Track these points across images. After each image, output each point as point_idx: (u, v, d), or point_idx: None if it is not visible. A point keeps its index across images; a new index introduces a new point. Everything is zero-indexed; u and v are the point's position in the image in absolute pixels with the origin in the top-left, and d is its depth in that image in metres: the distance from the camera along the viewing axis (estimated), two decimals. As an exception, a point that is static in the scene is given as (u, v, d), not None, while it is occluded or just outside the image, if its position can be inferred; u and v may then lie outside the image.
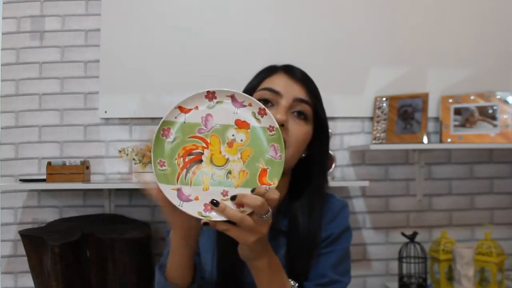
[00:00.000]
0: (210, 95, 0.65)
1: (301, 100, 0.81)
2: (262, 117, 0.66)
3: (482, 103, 1.80)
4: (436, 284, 1.74)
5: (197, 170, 0.64)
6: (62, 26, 1.86)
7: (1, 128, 1.83)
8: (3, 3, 1.85)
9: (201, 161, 0.64)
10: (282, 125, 0.76)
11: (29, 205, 1.81)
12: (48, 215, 1.80)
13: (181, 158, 0.64)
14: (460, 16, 1.90)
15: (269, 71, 0.86)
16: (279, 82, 0.82)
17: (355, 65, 1.87)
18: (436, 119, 1.87)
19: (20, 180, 1.71)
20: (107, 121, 1.84)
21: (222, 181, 0.63)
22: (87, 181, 1.68)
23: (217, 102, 0.66)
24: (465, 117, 1.80)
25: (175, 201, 0.63)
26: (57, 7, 1.86)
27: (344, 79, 1.85)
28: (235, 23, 1.84)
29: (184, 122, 0.65)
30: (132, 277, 1.51)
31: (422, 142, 1.76)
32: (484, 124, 1.78)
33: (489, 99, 1.80)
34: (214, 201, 0.61)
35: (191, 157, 0.64)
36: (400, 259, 1.74)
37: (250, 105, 0.66)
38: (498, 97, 1.79)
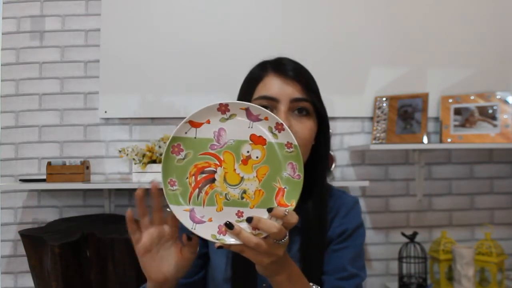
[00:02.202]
0: (223, 108, 0.60)
1: (298, 99, 0.80)
2: (279, 132, 0.61)
3: (482, 103, 1.80)
4: (436, 284, 1.74)
5: (210, 189, 0.60)
6: (62, 26, 1.86)
7: (1, 128, 1.83)
8: (3, 3, 1.84)
9: (214, 179, 0.60)
10: None
11: (29, 205, 1.81)
12: (48, 215, 1.80)
13: (193, 177, 0.60)
14: (460, 16, 1.90)
15: (259, 74, 0.83)
16: (272, 86, 0.80)
17: (355, 65, 1.87)
18: (436, 119, 1.87)
19: (20, 180, 1.71)
20: (107, 121, 1.84)
21: (236, 202, 0.60)
22: (87, 181, 1.68)
23: (231, 115, 0.61)
24: (465, 117, 1.80)
25: (188, 224, 0.60)
26: (57, 7, 1.86)
27: (344, 79, 1.85)
28: (235, 23, 1.84)
29: (195, 138, 0.60)
30: (132, 277, 1.51)
31: (422, 142, 1.76)
32: (484, 124, 1.78)
33: (489, 99, 1.80)
34: (228, 223, 0.59)
35: (204, 175, 0.60)
36: (400, 259, 1.74)
37: (266, 119, 0.61)
38: (498, 97, 1.79)
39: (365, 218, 1.88)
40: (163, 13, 1.84)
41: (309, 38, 1.85)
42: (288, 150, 0.61)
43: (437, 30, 1.89)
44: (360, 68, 1.87)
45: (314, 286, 0.76)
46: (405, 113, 1.82)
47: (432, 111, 1.85)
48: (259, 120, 0.61)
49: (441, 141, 1.82)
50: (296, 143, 0.61)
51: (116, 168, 1.83)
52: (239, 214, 0.60)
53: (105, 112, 1.82)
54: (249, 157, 0.61)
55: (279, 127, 0.61)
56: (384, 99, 1.85)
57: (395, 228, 1.87)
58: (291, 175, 0.61)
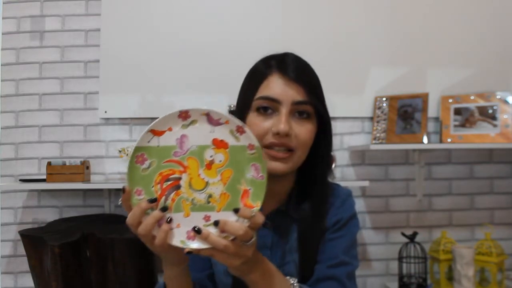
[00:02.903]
0: (184, 115, 0.61)
1: (300, 102, 0.79)
2: (240, 135, 0.62)
3: (482, 103, 1.80)
4: (436, 284, 1.74)
5: (176, 196, 0.61)
6: (62, 26, 1.86)
7: (1, 128, 1.83)
8: (3, 3, 1.84)
9: (179, 186, 0.61)
10: (286, 134, 0.77)
11: (29, 205, 1.81)
12: (48, 215, 1.80)
13: (159, 185, 0.60)
14: (460, 16, 1.90)
15: (263, 72, 0.82)
16: (275, 87, 0.80)
17: (355, 65, 1.87)
18: (436, 119, 1.87)
19: (20, 180, 1.71)
20: (107, 121, 1.84)
21: (203, 206, 0.61)
22: (87, 181, 1.68)
23: (192, 122, 0.62)
24: (465, 117, 1.80)
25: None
26: (57, 7, 1.85)
27: (344, 79, 1.85)
28: (235, 23, 1.84)
29: (158, 146, 0.60)
30: (132, 277, 1.51)
31: (422, 142, 1.76)
32: (484, 124, 1.78)
33: (489, 99, 1.80)
34: (196, 228, 0.60)
35: (169, 183, 0.60)
36: (400, 259, 1.74)
37: (227, 122, 0.62)
38: (498, 97, 1.79)
39: (365, 218, 1.88)
40: (163, 13, 1.84)
41: (309, 38, 1.85)
42: (250, 152, 0.62)
43: (437, 30, 1.89)
44: (360, 68, 1.87)
45: (291, 280, 0.77)
46: (405, 113, 1.82)
47: (432, 111, 1.85)
48: (220, 124, 0.62)
49: (441, 141, 1.82)
50: (258, 145, 0.63)
51: (116, 168, 1.82)
52: (207, 218, 0.61)
53: (105, 112, 1.82)
54: (212, 162, 0.61)
55: (240, 130, 0.62)
56: (384, 99, 1.85)
57: (395, 228, 1.87)
58: (255, 176, 0.62)
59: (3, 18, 1.85)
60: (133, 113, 1.82)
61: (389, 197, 1.89)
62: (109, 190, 1.77)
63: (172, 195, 0.61)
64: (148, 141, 0.60)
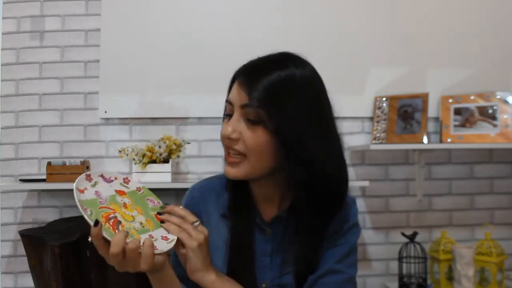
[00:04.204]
0: (89, 178, 0.77)
1: (245, 106, 0.77)
2: (127, 183, 0.81)
3: (482, 103, 1.80)
4: (436, 284, 1.74)
5: (123, 228, 0.73)
6: (62, 26, 1.86)
7: (1, 128, 1.83)
8: (3, 3, 1.84)
9: (120, 221, 0.74)
10: (228, 138, 0.78)
11: (29, 205, 1.81)
12: (48, 215, 1.80)
13: (107, 223, 0.72)
14: (460, 16, 1.90)
15: (234, 76, 0.83)
16: (232, 91, 0.81)
17: (355, 65, 1.87)
18: (436, 119, 1.87)
19: (20, 180, 1.71)
20: (107, 121, 1.84)
21: (143, 230, 0.75)
22: (87, 181, 1.68)
23: (95, 183, 0.77)
24: (465, 117, 1.80)
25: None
26: (57, 7, 1.85)
27: (344, 79, 1.85)
28: (235, 23, 1.84)
29: (87, 199, 0.74)
30: (132, 277, 1.51)
31: (422, 142, 1.76)
32: (484, 124, 1.78)
33: (489, 99, 1.80)
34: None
35: (112, 220, 0.73)
36: (400, 259, 1.74)
37: (116, 178, 0.80)
38: (498, 97, 1.79)
39: (365, 218, 1.88)
40: (163, 13, 1.84)
41: (309, 38, 1.85)
42: (140, 192, 0.81)
43: (437, 30, 1.89)
44: (360, 68, 1.87)
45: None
46: (405, 113, 1.82)
47: (432, 111, 1.85)
48: (112, 181, 0.79)
49: (441, 141, 1.82)
50: (142, 185, 0.82)
51: (116, 168, 1.82)
52: (151, 236, 0.74)
53: (105, 112, 1.82)
54: (125, 203, 0.78)
55: (126, 181, 0.81)
56: (384, 99, 1.85)
57: (395, 228, 1.87)
58: (154, 205, 0.81)
59: (3, 18, 1.85)
60: (133, 113, 1.82)
61: (389, 197, 1.89)
62: (109, 190, 1.77)
63: (119, 227, 0.73)
64: (79, 197, 0.73)
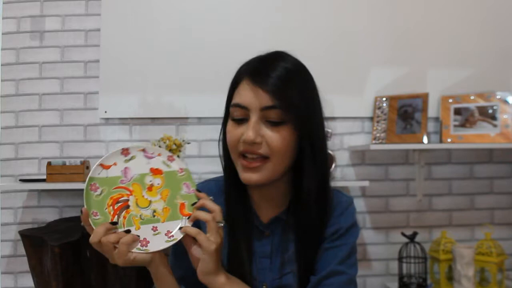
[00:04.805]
0: (125, 152, 0.76)
1: (268, 108, 0.76)
2: (171, 162, 0.78)
3: (482, 103, 1.80)
4: (436, 284, 1.74)
5: (127, 214, 0.73)
6: (62, 26, 1.86)
7: (1, 128, 1.83)
8: (3, 3, 1.84)
9: (128, 206, 0.74)
10: (254, 142, 0.76)
11: (29, 205, 1.81)
12: (48, 215, 1.80)
13: (111, 207, 0.73)
14: (460, 16, 1.90)
15: (237, 78, 0.82)
16: (244, 94, 0.78)
17: (355, 65, 1.87)
18: (436, 119, 1.87)
19: (20, 180, 1.71)
20: (107, 121, 1.84)
21: (150, 219, 0.74)
22: (87, 181, 1.68)
23: (132, 157, 0.76)
24: (465, 117, 1.80)
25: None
26: (57, 7, 1.85)
27: (344, 79, 1.85)
28: (234, 22, 1.84)
29: (107, 177, 0.74)
30: (132, 277, 1.51)
31: (422, 142, 1.76)
32: (484, 124, 1.78)
33: (489, 99, 1.80)
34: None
35: (120, 204, 0.73)
36: (400, 259, 1.74)
37: (159, 155, 0.78)
38: (498, 97, 1.79)
39: (365, 218, 1.88)
40: (163, 13, 1.84)
41: (309, 38, 1.85)
42: (181, 174, 0.78)
43: (437, 30, 1.89)
44: (360, 68, 1.87)
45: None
46: (405, 113, 1.82)
47: (432, 111, 1.85)
48: (153, 157, 0.77)
49: (441, 141, 1.82)
50: (186, 167, 0.78)
51: (116, 168, 1.82)
52: (154, 229, 0.74)
53: (105, 112, 1.82)
54: (152, 185, 0.76)
55: (170, 159, 0.78)
56: (384, 99, 1.85)
57: (395, 228, 1.87)
58: (187, 191, 0.78)
59: (3, 18, 1.85)
60: (133, 113, 1.82)
61: (389, 197, 1.89)
62: (109, 190, 1.77)
63: (123, 213, 0.73)
64: (99, 173, 0.74)
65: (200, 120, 1.85)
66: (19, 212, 1.81)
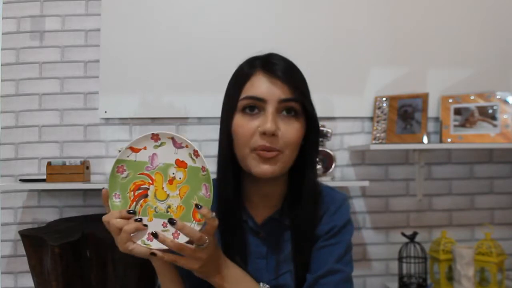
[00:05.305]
0: (155, 137, 0.73)
1: (286, 100, 0.78)
2: (196, 157, 0.73)
3: (482, 103, 1.80)
4: (436, 284, 1.74)
5: (144, 203, 0.73)
6: (62, 26, 1.86)
7: (1, 128, 1.83)
8: (3, 3, 1.84)
9: (147, 195, 0.73)
10: (273, 134, 0.76)
11: (29, 205, 1.81)
12: (48, 215, 1.80)
13: (132, 192, 0.73)
14: (460, 16, 1.90)
15: (248, 72, 0.82)
16: (260, 86, 0.79)
17: (355, 65, 1.87)
18: (436, 119, 1.87)
19: (20, 180, 1.71)
20: (107, 121, 1.84)
21: (163, 214, 0.72)
22: (87, 181, 1.68)
23: (161, 143, 0.74)
24: (465, 117, 1.80)
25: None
26: (57, 7, 1.85)
27: (344, 79, 1.85)
28: (234, 22, 1.84)
29: (135, 161, 0.73)
30: (133, 277, 1.51)
31: (422, 142, 1.76)
32: (484, 124, 1.78)
33: (489, 99, 1.80)
34: (154, 233, 0.69)
35: (140, 191, 0.73)
36: (400, 259, 1.74)
37: (187, 146, 0.73)
38: (498, 97, 1.79)
39: (365, 218, 1.88)
40: (163, 13, 1.84)
41: (309, 38, 1.85)
42: (203, 173, 0.73)
43: (437, 30, 1.89)
44: (360, 68, 1.87)
45: (262, 285, 0.78)
46: (405, 113, 1.82)
47: (432, 111, 1.85)
48: (182, 147, 0.73)
49: (441, 141, 1.82)
50: (208, 167, 0.72)
51: (116, 168, 1.82)
52: (164, 225, 0.72)
53: (105, 112, 1.82)
54: (174, 178, 0.73)
55: (196, 154, 0.73)
56: (384, 99, 1.85)
57: (395, 228, 1.87)
58: (204, 194, 0.72)
59: (3, 18, 1.85)
60: (133, 113, 1.82)
61: (389, 197, 1.89)
62: (109, 190, 1.77)
63: (141, 201, 0.73)
64: (128, 156, 0.73)
65: (200, 120, 1.85)
66: (19, 212, 1.81)
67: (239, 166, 0.83)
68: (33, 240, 1.51)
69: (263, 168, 0.78)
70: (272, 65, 0.80)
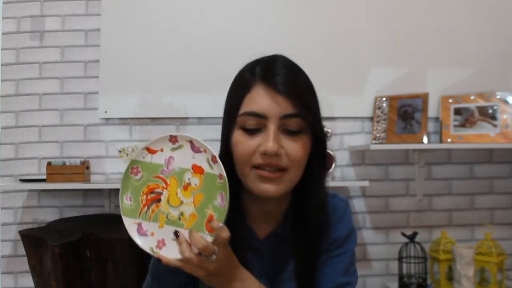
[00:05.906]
0: (173, 139, 0.70)
1: (289, 116, 0.71)
2: (214, 164, 0.68)
3: (482, 103, 1.80)
4: (436, 284, 1.74)
5: (156, 208, 0.69)
6: (62, 26, 1.86)
7: (1, 128, 1.83)
8: (3, 3, 1.84)
9: (160, 200, 0.69)
10: (276, 154, 0.70)
11: (29, 205, 1.81)
12: (48, 215, 1.80)
13: (145, 195, 0.69)
14: (460, 16, 1.90)
15: (247, 82, 0.74)
16: (259, 100, 0.71)
17: (355, 65, 1.87)
18: (436, 119, 1.87)
19: (20, 180, 1.71)
20: (107, 121, 1.84)
21: (175, 222, 0.69)
22: (87, 181, 1.68)
23: (179, 146, 0.70)
24: (465, 117, 1.80)
25: (133, 234, 0.70)
26: (57, 7, 1.85)
27: (344, 79, 1.85)
28: (234, 22, 1.84)
29: (151, 163, 0.70)
30: (132, 277, 1.51)
31: (422, 142, 1.76)
32: (484, 124, 1.78)
33: (489, 99, 1.80)
34: (176, 231, 0.67)
35: (153, 195, 0.70)
36: (400, 259, 1.74)
37: (205, 151, 0.69)
38: (498, 97, 1.79)
39: (365, 218, 1.88)
40: (163, 13, 1.84)
41: (309, 38, 1.85)
42: (220, 181, 0.68)
43: (437, 30, 1.89)
44: (360, 68, 1.87)
45: None
46: (405, 113, 1.82)
47: (432, 111, 1.85)
48: (200, 152, 0.69)
49: (441, 141, 1.82)
50: (225, 175, 0.67)
51: (116, 168, 1.82)
52: (175, 233, 0.68)
53: (105, 112, 1.82)
54: (189, 184, 0.69)
55: (214, 160, 0.68)
56: (384, 99, 1.85)
57: (395, 228, 1.87)
58: (220, 203, 0.68)
59: (3, 18, 1.85)
60: (133, 113, 1.82)
61: (389, 197, 1.89)
62: (109, 190, 1.77)
63: (153, 206, 0.69)
64: (143, 157, 0.70)
65: (200, 120, 1.85)
66: (19, 212, 1.81)
67: (239, 180, 0.77)
68: (33, 240, 1.51)
69: (265, 187, 0.73)
70: (273, 76, 0.73)
